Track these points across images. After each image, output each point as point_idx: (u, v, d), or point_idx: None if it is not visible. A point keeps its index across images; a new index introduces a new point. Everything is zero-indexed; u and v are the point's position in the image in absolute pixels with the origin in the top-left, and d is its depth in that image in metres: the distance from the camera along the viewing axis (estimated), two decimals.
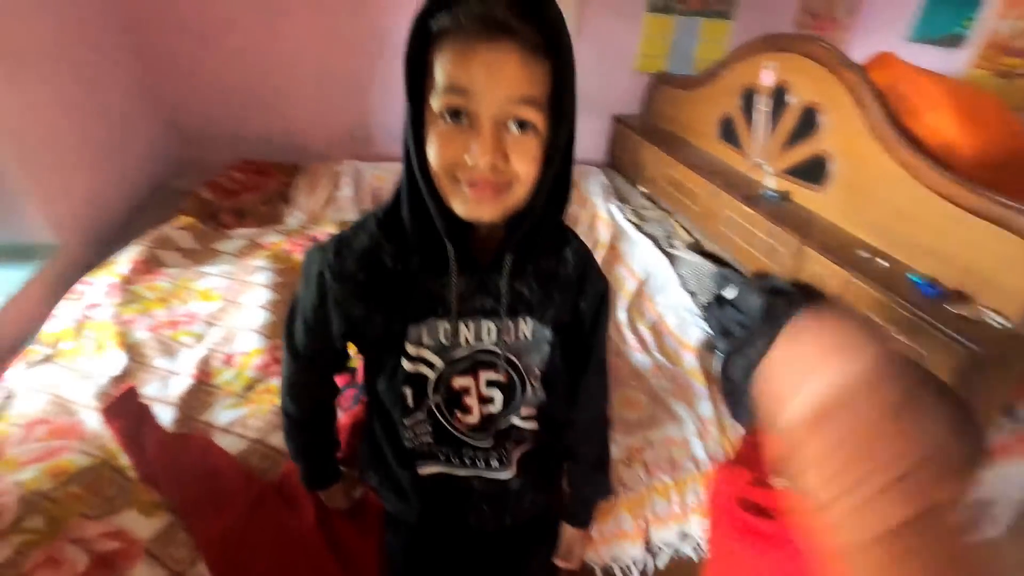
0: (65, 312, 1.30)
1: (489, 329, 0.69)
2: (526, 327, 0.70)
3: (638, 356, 1.41)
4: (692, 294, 1.68)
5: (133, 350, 1.21)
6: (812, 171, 1.65)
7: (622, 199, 2.30)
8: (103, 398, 1.03)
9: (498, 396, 0.73)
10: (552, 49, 0.54)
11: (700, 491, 1.11)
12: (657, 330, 1.53)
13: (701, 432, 1.18)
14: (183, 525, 0.89)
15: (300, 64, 2.29)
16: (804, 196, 1.69)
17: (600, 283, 0.75)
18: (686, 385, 1.31)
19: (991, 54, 1.89)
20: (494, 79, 0.52)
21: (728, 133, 2.02)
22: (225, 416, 1.07)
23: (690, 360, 1.39)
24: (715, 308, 1.52)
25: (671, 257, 1.88)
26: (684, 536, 1.11)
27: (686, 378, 1.33)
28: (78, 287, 1.39)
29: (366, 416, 0.86)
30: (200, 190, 2.03)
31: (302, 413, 0.81)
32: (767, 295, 1.37)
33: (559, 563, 0.92)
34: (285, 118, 2.39)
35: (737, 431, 1.20)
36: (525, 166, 0.56)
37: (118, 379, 1.11)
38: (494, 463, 0.78)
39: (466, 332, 0.68)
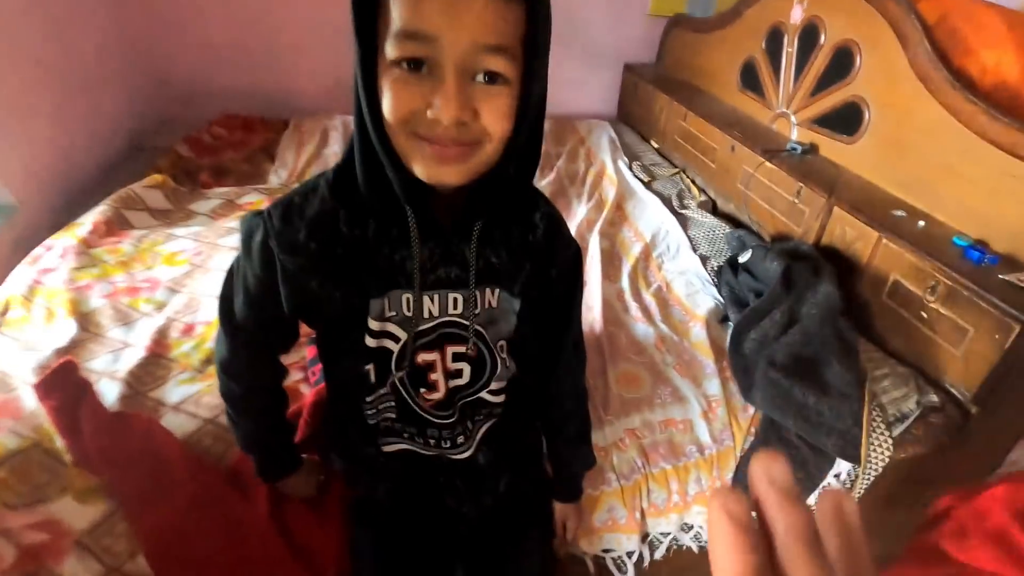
0: (17, 277, 1.20)
1: (455, 300, 0.61)
2: (492, 297, 0.63)
3: (640, 327, 1.28)
4: (704, 258, 1.53)
5: (86, 319, 1.11)
6: (843, 120, 1.47)
7: (631, 155, 2.13)
8: (40, 372, 0.94)
9: (466, 369, 0.67)
10: None
11: (704, 480, 1.00)
12: (663, 298, 1.39)
13: (707, 413, 1.06)
14: (122, 514, 0.80)
15: (291, 13, 2.13)
16: (833, 149, 1.51)
17: (571, 248, 0.69)
18: (692, 360, 1.18)
19: None
20: (458, 23, 0.44)
21: (750, 80, 1.82)
22: (178, 393, 0.97)
23: (698, 332, 1.26)
24: (728, 273, 1.37)
25: (682, 218, 1.72)
26: (686, 527, 1.01)
27: (692, 352, 1.20)
28: (37, 250, 1.29)
29: (326, 394, 0.76)
30: (179, 146, 1.91)
31: (247, 398, 0.72)
32: (787, 260, 1.22)
33: (558, 541, 0.87)
34: (275, 71, 2.24)
35: (747, 413, 1.07)
36: (496, 122, 0.49)
37: (62, 351, 1.01)
38: (459, 439, 0.72)
39: (430, 305, 0.61)
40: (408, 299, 0.60)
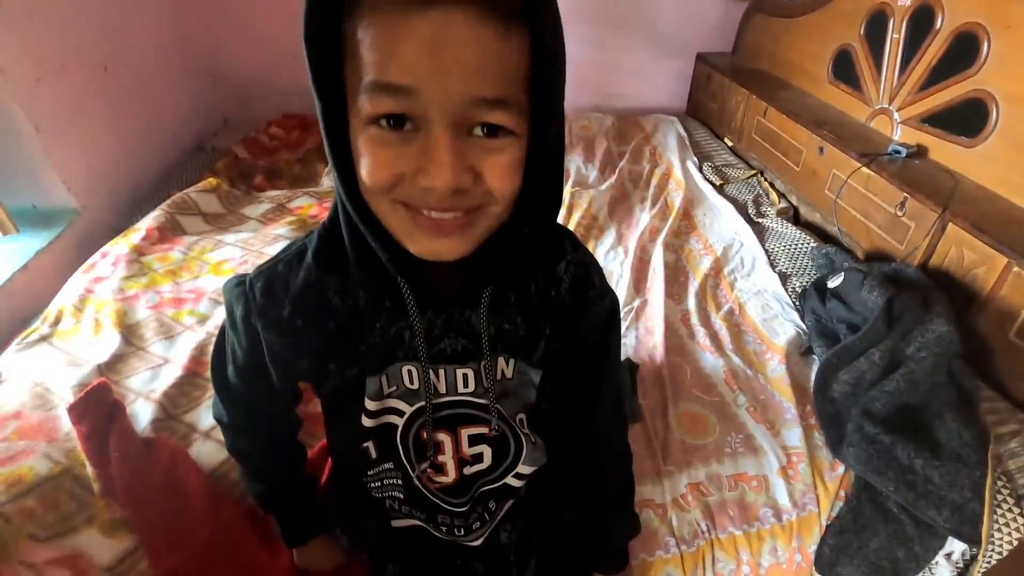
0: (73, 286, 1.21)
1: (465, 377, 0.51)
2: (507, 367, 0.53)
3: (708, 358, 1.13)
4: (783, 276, 1.36)
5: (130, 331, 1.10)
6: (962, 119, 1.25)
7: (702, 155, 1.95)
8: (78, 391, 0.92)
9: (487, 452, 0.57)
10: (528, 10, 0.35)
11: (781, 551, 0.86)
12: (735, 324, 1.24)
13: (786, 469, 0.91)
14: (143, 551, 0.77)
15: None
16: (947, 153, 1.29)
17: (605, 301, 0.56)
18: (768, 401, 1.03)
19: None
20: (445, 71, 0.34)
21: (844, 71, 1.60)
22: (210, 418, 0.92)
23: (776, 366, 1.10)
24: (814, 299, 1.20)
25: (758, 228, 1.54)
26: None
27: (769, 391, 1.05)
28: (93, 257, 1.31)
29: (330, 461, 0.69)
30: (236, 148, 1.92)
31: (255, 456, 0.66)
32: (891, 289, 1.04)
33: None
34: None
35: (836, 472, 0.91)
36: (502, 183, 0.39)
37: (103, 367, 1.00)
38: (475, 525, 0.62)
39: (436, 382, 0.52)
40: (410, 371, 0.51)
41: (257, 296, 0.49)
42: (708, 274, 1.39)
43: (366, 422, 0.53)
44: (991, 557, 0.84)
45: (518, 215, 0.43)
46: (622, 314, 1.25)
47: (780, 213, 1.61)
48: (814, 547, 0.87)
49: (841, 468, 0.92)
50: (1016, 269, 0.99)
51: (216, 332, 1.10)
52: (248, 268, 1.30)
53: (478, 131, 0.37)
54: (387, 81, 0.35)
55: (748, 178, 1.80)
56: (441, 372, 0.51)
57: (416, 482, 0.57)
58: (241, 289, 0.50)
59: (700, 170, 1.83)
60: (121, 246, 1.32)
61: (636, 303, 1.29)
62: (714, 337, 1.20)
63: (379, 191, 0.39)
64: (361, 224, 0.42)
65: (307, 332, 0.49)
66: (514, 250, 0.46)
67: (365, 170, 0.38)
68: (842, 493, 0.90)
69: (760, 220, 1.58)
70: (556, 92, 0.39)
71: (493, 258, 0.45)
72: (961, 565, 0.87)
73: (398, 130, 0.36)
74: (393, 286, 0.47)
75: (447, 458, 0.56)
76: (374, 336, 0.49)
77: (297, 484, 0.70)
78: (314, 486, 0.73)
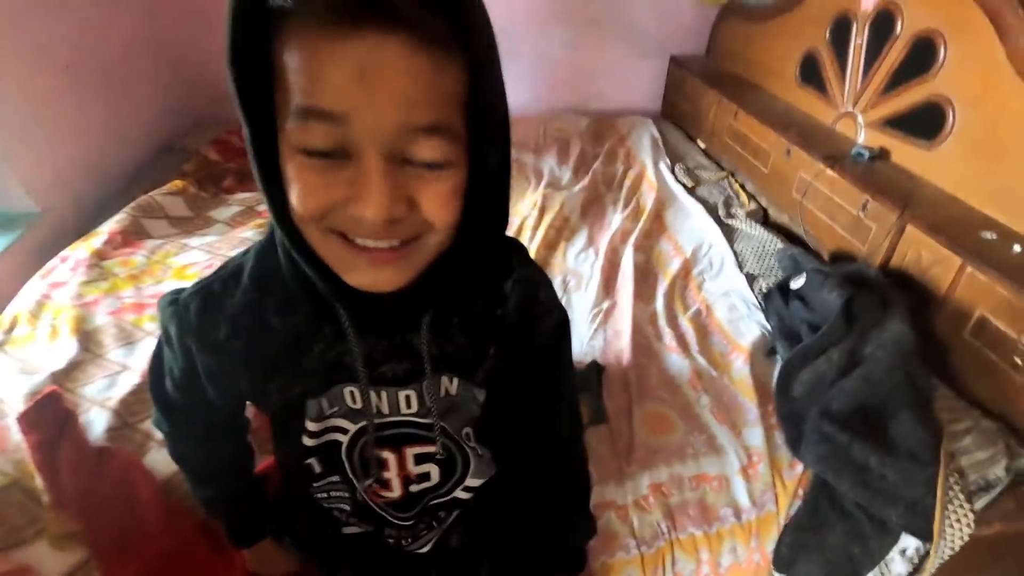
0: (29, 292, 1.18)
1: (408, 398, 0.51)
2: (451, 385, 0.52)
3: (674, 359, 1.14)
4: (751, 277, 1.37)
5: (88, 338, 1.08)
6: (921, 122, 1.27)
7: (675, 156, 1.96)
8: (29, 399, 0.90)
9: (434, 471, 0.56)
10: (462, 34, 0.35)
11: (741, 551, 0.87)
12: (701, 324, 1.25)
13: (746, 469, 0.92)
14: (95, 564, 0.75)
15: None
16: (908, 155, 1.32)
17: (551, 317, 0.56)
18: (732, 402, 1.04)
19: None
20: (376, 98, 0.33)
21: (811, 75, 1.63)
22: None
23: (740, 367, 1.11)
24: (777, 300, 1.22)
25: (728, 229, 1.56)
26: None
27: (733, 392, 1.06)
28: (52, 262, 1.28)
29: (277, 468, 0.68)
30: (205, 150, 1.89)
31: (202, 460, 0.65)
32: (849, 290, 1.06)
33: None
34: None
35: (794, 471, 0.93)
36: (439, 211, 0.38)
37: (59, 375, 0.98)
38: (424, 534, 0.62)
39: (378, 402, 0.51)
40: (352, 392, 0.50)
41: (192, 317, 0.48)
42: (677, 275, 1.40)
43: (307, 441, 0.52)
44: (944, 552, 0.86)
45: (460, 238, 0.42)
46: (591, 316, 1.26)
47: (750, 215, 1.62)
48: (772, 546, 0.88)
49: (800, 467, 0.93)
50: (970, 270, 1.01)
51: None
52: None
53: (415, 160, 0.36)
54: (316, 106, 0.33)
55: (719, 180, 1.82)
56: (383, 394, 0.50)
57: (362, 496, 0.57)
58: (174, 308, 0.49)
59: (672, 171, 1.85)
60: (81, 250, 1.29)
61: (605, 305, 1.29)
62: (680, 338, 1.20)
63: (310, 219, 0.37)
64: (295, 251, 0.41)
65: (245, 353, 0.48)
66: (456, 275, 0.45)
67: (295, 198, 0.37)
68: (800, 492, 0.91)
69: (729, 221, 1.60)
70: (494, 117, 0.39)
71: (434, 283, 0.44)
72: (916, 560, 0.89)
73: (329, 157, 0.35)
74: (332, 311, 0.45)
75: (392, 475, 0.55)
76: (313, 360, 0.48)
77: (244, 486, 0.69)
78: (262, 487, 0.71)
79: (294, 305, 0.47)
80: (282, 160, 0.37)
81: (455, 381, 0.52)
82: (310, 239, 0.39)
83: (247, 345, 0.47)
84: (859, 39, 1.43)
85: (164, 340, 0.53)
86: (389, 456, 0.54)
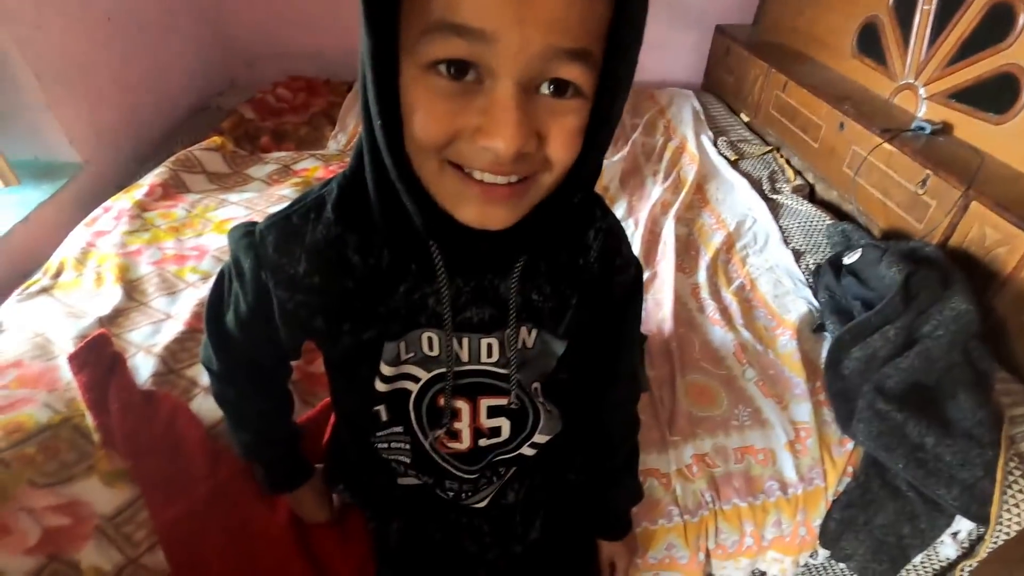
0: (75, 239, 1.19)
1: (489, 347, 0.50)
2: (528, 337, 0.52)
3: (718, 331, 1.11)
4: (797, 253, 1.33)
5: (132, 286, 1.09)
6: (991, 95, 1.20)
7: (717, 129, 1.90)
8: (78, 342, 0.91)
9: (505, 426, 0.56)
10: None
11: (786, 524, 0.85)
12: (746, 299, 1.22)
13: (793, 444, 0.90)
14: (144, 502, 0.76)
15: None
16: (973, 130, 1.25)
17: (629, 270, 0.56)
18: (778, 376, 1.01)
19: None
20: (530, 18, 0.30)
21: (869, 44, 1.55)
22: None
23: (786, 342, 1.08)
24: (828, 275, 1.17)
25: (773, 204, 1.51)
26: (758, 575, 0.87)
27: (779, 366, 1.03)
28: (96, 212, 1.29)
29: (334, 416, 0.68)
30: (243, 108, 1.88)
31: (244, 405, 0.64)
32: (907, 265, 1.01)
33: None
34: (337, 32, 2.15)
35: (844, 448, 0.90)
36: (564, 150, 0.36)
37: (104, 320, 0.99)
38: (484, 488, 0.61)
39: (459, 351, 0.50)
40: (431, 338, 0.49)
41: (269, 250, 0.46)
42: (720, 248, 1.36)
43: (380, 387, 0.51)
44: (998, 537, 0.83)
45: (565, 190, 0.40)
46: None
47: (795, 190, 1.57)
48: (819, 521, 0.86)
49: (850, 444, 0.91)
50: None
51: None
52: None
53: (545, 89, 0.34)
54: (458, 22, 0.31)
55: (764, 154, 1.76)
56: (465, 341, 0.49)
57: (427, 447, 0.56)
58: (250, 240, 0.47)
59: (715, 144, 1.79)
60: (124, 201, 1.30)
61: (646, 275, 1.27)
62: (724, 311, 1.17)
63: (430, 148, 0.35)
64: (399, 182, 0.39)
65: (323, 290, 0.46)
66: (556, 219, 0.43)
67: (418, 124, 0.34)
68: (849, 469, 0.89)
69: (775, 196, 1.55)
70: (631, 56, 0.36)
71: (534, 227, 0.42)
72: (967, 544, 0.86)
73: (459, 80, 0.33)
74: (422, 249, 0.44)
75: (463, 426, 0.54)
76: (396, 300, 0.47)
77: (283, 432, 0.69)
78: (298, 436, 0.71)
79: (377, 243, 0.45)
80: (403, 84, 0.34)
81: (533, 333, 0.51)
82: (421, 170, 0.37)
83: (326, 282, 0.46)
84: (927, 5, 1.35)
85: (235, 273, 0.51)
86: (463, 406, 0.53)
